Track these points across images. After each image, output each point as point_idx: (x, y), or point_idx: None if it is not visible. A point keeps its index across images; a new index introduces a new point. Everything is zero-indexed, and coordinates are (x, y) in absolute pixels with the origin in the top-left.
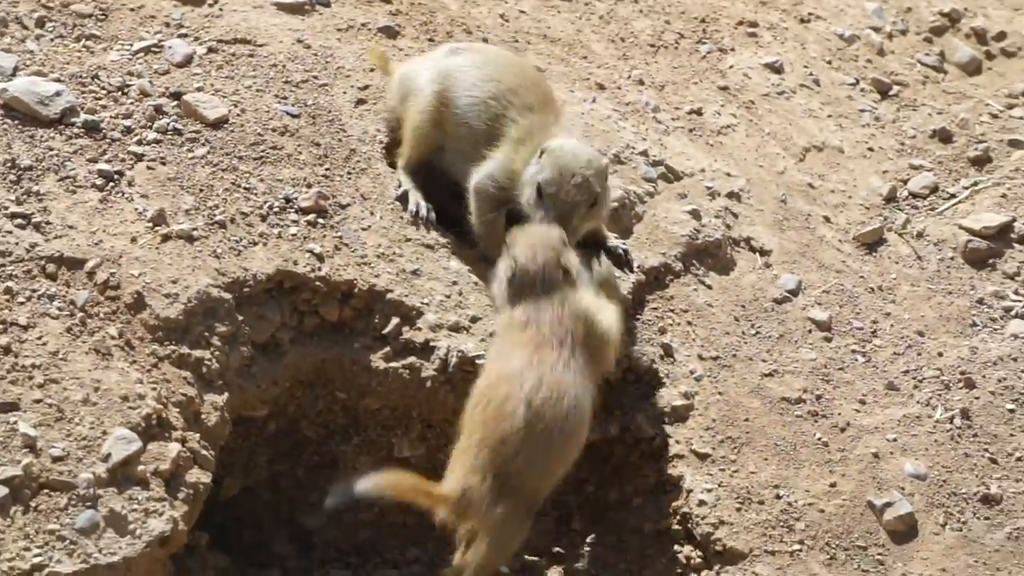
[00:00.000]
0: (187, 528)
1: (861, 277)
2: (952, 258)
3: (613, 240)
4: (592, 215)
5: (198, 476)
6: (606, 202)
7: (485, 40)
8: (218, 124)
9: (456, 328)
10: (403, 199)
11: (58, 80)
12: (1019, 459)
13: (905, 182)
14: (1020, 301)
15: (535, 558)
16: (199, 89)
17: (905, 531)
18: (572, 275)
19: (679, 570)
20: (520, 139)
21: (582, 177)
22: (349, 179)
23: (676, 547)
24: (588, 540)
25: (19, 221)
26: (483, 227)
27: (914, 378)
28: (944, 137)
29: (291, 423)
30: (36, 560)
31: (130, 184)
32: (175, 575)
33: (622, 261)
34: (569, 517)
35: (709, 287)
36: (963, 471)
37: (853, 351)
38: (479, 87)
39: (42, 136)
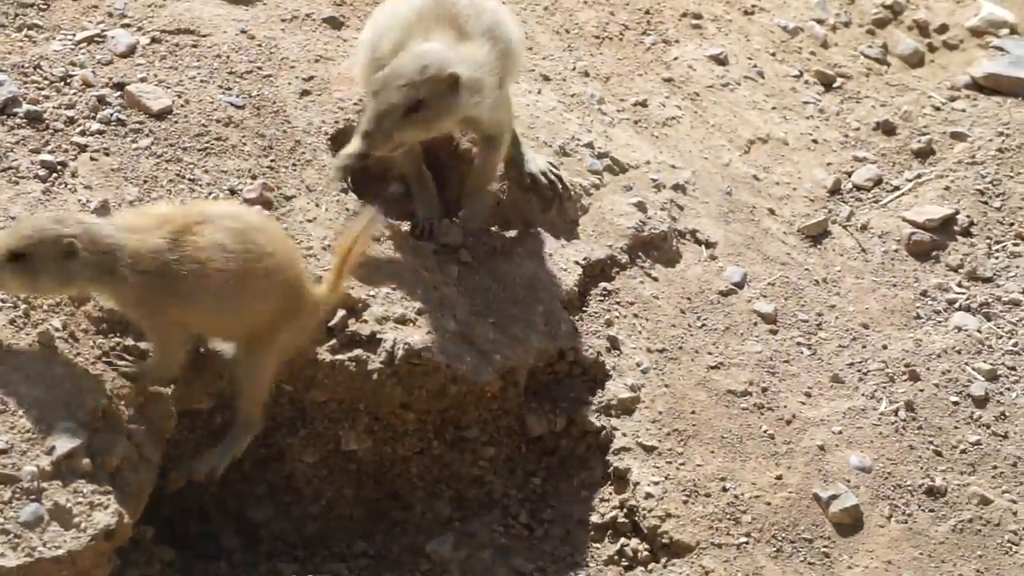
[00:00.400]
0: (132, 521)
1: (806, 269)
2: (896, 250)
3: (537, 161)
4: (414, 123)
5: (144, 470)
6: (444, 112)
7: None
8: (162, 115)
9: (402, 320)
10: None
11: (0, 70)
12: (963, 451)
13: (849, 174)
14: (963, 293)
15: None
16: (143, 80)
17: (851, 523)
18: None
19: (626, 563)
20: None
21: (407, 79)
22: (294, 170)
23: (623, 540)
24: (535, 534)
25: None
26: None
27: (859, 371)
28: (888, 129)
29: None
30: None
31: (73, 175)
32: (121, 569)
33: (545, 190)
34: (515, 511)
35: (655, 279)
36: (908, 463)
37: (798, 343)
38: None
39: None
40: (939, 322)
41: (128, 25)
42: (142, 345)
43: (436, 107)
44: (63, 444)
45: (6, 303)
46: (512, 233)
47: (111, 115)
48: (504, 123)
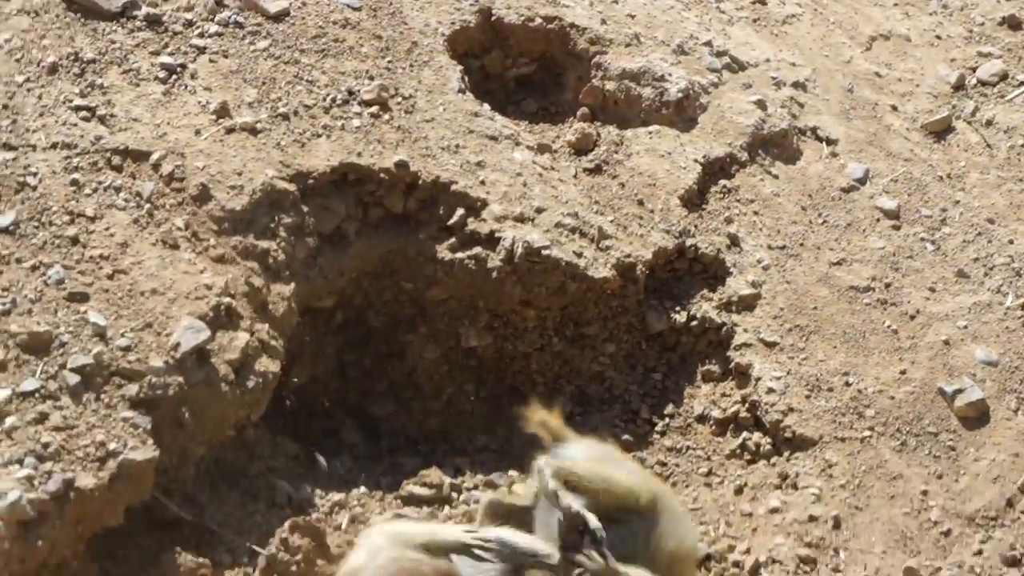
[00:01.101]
0: (258, 416)
1: (930, 165)
2: (1022, 145)
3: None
4: None
5: (267, 365)
6: None
7: None
8: (279, 17)
9: (521, 219)
10: None
11: None
12: None
13: (974, 70)
14: None
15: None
16: None
17: (977, 417)
18: None
19: (748, 457)
20: None
21: None
22: (411, 71)
23: (745, 434)
24: (656, 428)
25: (84, 114)
26: None
27: (984, 265)
28: (1013, 24)
29: (358, 313)
30: (112, 447)
31: (193, 77)
32: (247, 461)
33: None
34: (636, 406)
35: (775, 177)
36: None
37: (922, 239)
38: None
39: (104, 29)
40: None
41: None
42: (262, 244)
43: None
44: (188, 340)
45: (129, 203)
46: (630, 132)
47: (229, 17)
48: None
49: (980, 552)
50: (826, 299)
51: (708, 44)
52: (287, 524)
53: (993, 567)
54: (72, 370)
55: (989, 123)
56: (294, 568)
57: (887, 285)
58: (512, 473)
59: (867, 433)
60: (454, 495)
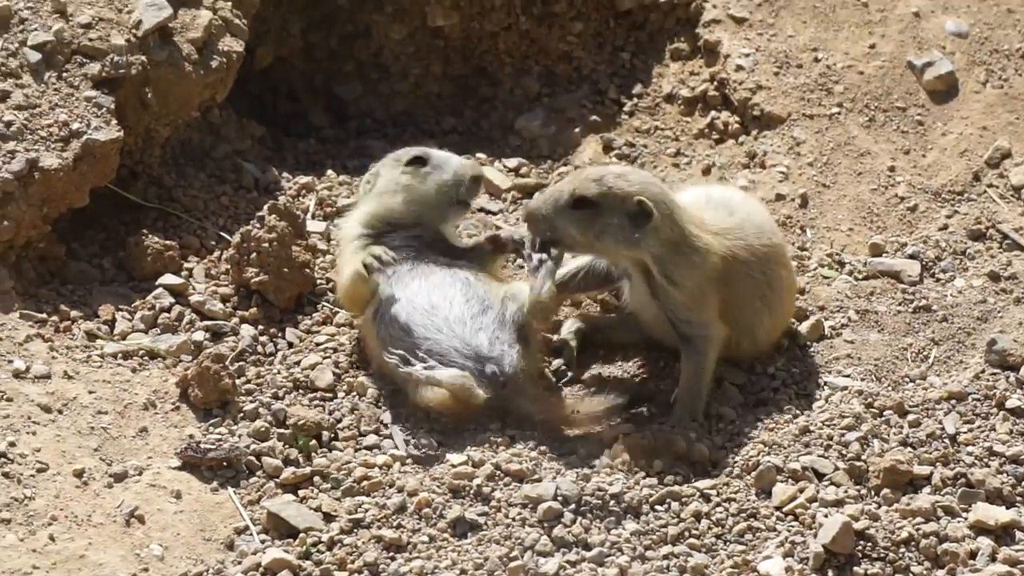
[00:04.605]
0: (224, 94)
1: None
2: None
3: None
4: None
5: (231, 44)
6: None
7: None
8: None
9: None
10: None
11: None
12: None
13: None
14: None
15: None
16: None
17: (945, 90)
18: None
19: (716, 136)
20: None
21: None
22: None
23: (713, 113)
24: (624, 109)
25: None
26: None
27: None
28: None
29: None
30: (76, 127)
31: None
32: (213, 143)
33: None
34: (604, 86)
35: None
36: (1005, 28)
37: None
38: None
39: None
40: None
41: None
42: None
43: None
44: (150, 18)
45: None
46: None
47: None
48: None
49: (945, 227)
50: None
51: None
52: (266, 206)
53: (958, 241)
54: (32, 47)
55: None
56: (266, 246)
57: None
58: (480, 155)
59: (835, 110)
60: None
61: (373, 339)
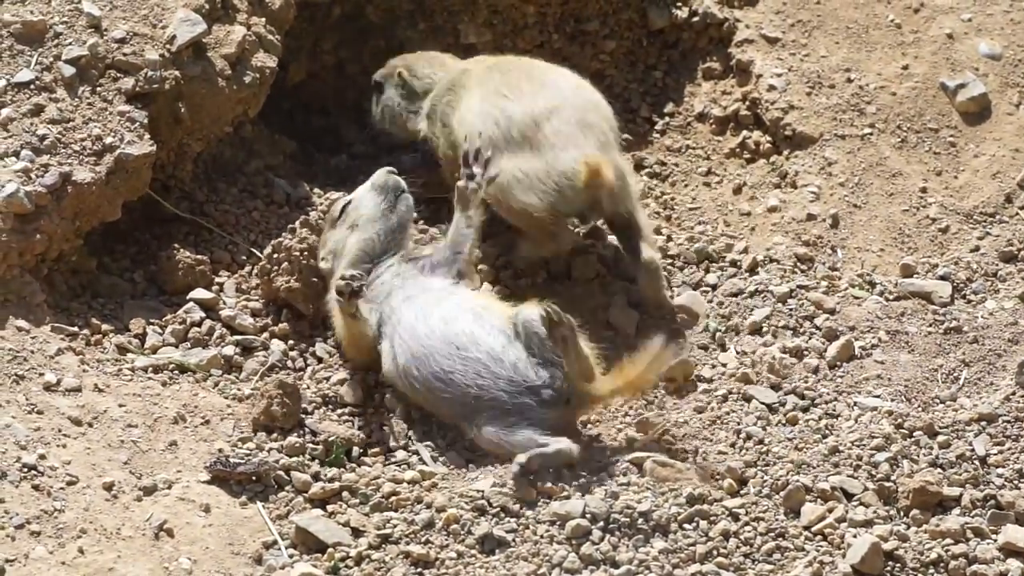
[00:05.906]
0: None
1: None
2: None
3: None
4: None
5: (264, 60)
6: None
7: None
8: None
9: None
10: None
11: None
12: None
13: None
14: None
15: None
16: None
17: (978, 112)
18: None
19: (748, 155)
20: None
21: None
22: None
23: (745, 132)
24: (656, 127)
25: None
26: None
27: None
28: None
29: (356, 8)
30: (109, 141)
31: None
32: (246, 159)
33: None
34: (636, 104)
35: None
36: None
37: None
38: None
39: None
40: None
41: None
42: None
43: None
44: (184, 33)
45: None
46: None
47: None
48: None
49: (977, 248)
50: None
51: None
52: (298, 221)
53: (990, 263)
54: (67, 61)
55: None
56: (297, 255)
57: None
58: None
59: (867, 130)
60: None
61: (409, 389)
